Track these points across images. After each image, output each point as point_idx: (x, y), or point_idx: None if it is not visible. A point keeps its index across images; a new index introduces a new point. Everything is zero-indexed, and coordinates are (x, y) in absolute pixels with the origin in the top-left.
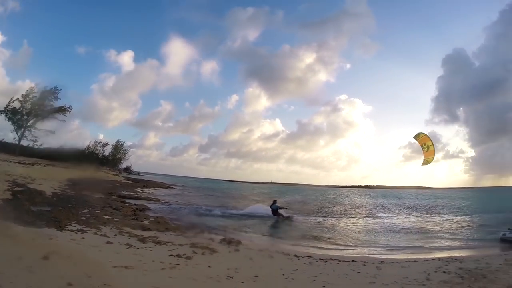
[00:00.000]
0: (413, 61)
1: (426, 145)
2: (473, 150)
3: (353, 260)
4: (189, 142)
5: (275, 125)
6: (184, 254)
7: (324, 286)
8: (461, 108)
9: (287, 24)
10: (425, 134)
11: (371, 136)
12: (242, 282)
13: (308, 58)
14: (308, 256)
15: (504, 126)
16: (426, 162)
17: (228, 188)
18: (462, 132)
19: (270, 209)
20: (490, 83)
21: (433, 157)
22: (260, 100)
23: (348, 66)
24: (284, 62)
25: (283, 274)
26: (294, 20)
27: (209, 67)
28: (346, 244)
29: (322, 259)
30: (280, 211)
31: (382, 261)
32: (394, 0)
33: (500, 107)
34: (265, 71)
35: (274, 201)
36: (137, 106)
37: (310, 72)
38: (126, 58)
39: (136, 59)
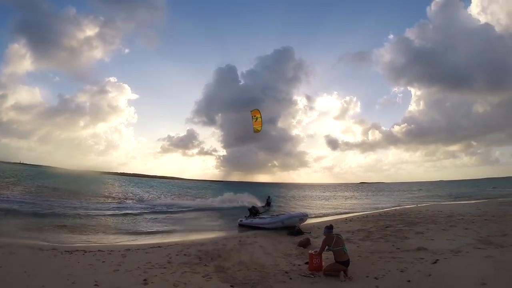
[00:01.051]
0: (189, 64)
1: (255, 117)
2: (224, 150)
3: (99, 250)
4: None
5: (34, 95)
6: None
7: (68, 279)
8: (220, 114)
9: None
10: (258, 110)
11: (133, 124)
12: None
13: (90, 30)
14: (53, 249)
15: (252, 135)
16: (256, 130)
17: None
18: (217, 134)
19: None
20: (248, 99)
21: (261, 127)
22: (24, 61)
23: (127, 51)
24: (63, 26)
25: (25, 271)
26: None
27: None
28: (95, 233)
29: (68, 251)
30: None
31: (128, 249)
32: (191, 5)
33: (251, 120)
34: (39, 29)
35: (269, 197)
36: None
37: (87, 45)
38: None
39: None
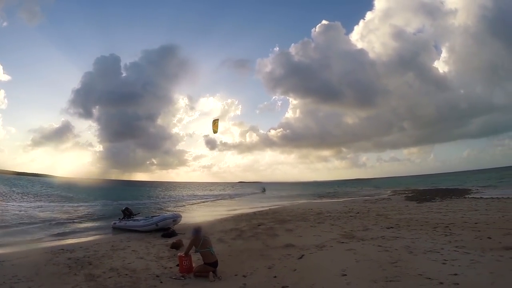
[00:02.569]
0: (71, 48)
1: (214, 122)
2: (101, 146)
3: None
4: None
5: None
6: None
7: None
8: (97, 107)
9: None
10: (217, 119)
11: (2, 110)
12: None
13: None
14: None
15: (130, 131)
16: (213, 131)
17: None
18: (94, 128)
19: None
20: (128, 94)
21: (217, 129)
22: None
23: (5, 24)
24: None
25: None
26: None
27: None
28: None
29: None
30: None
31: None
32: None
33: (130, 116)
34: None
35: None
36: None
37: None
38: None
39: None
